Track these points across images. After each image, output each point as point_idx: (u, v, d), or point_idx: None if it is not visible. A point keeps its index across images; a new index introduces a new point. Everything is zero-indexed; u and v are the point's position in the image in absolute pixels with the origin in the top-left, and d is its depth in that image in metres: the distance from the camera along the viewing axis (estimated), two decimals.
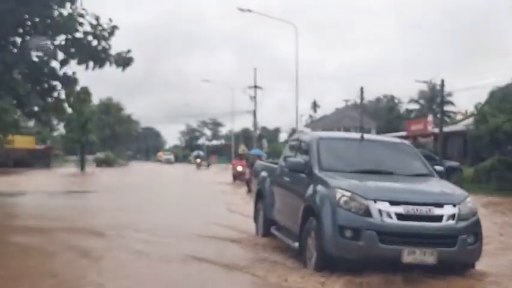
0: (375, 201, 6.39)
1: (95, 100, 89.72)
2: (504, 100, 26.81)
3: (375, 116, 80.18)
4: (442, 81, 27.45)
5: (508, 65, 68.75)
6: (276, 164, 9.99)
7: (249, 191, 21.78)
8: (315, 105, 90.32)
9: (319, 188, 6.98)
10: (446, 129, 33.95)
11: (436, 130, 33.08)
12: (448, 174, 29.21)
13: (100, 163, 62.20)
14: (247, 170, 27.23)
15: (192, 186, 27.55)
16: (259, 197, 10.08)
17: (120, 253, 8.67)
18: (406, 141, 9.31)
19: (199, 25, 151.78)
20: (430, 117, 32.78)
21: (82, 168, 51.65)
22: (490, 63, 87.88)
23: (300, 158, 8.03)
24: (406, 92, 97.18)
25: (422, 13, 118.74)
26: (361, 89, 34.61)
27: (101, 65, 16.29)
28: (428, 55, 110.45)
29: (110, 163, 62.51)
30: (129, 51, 17.12)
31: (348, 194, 6.54)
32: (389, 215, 6.32)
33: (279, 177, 9.03)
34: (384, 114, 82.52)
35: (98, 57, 15.94)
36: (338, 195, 6.56)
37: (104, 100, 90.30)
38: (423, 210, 6.37)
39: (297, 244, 7.43)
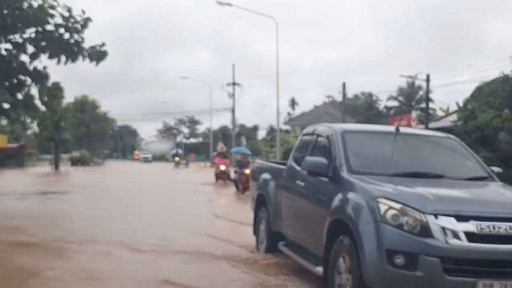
0: (436, 215, 4.60)
1: (70, 98, 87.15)
2: (492, 95, 25.53)
3: (354, 113, 79.00)
4: (428, 76, 26.05)
5: (481, 62, 68.05)
6: (282, 164, 8.27)
7: (237, 190, 20.84)
8: (293, 103, 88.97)
9: (352, 196, 5.18)
10: (430, 125, 32.62)
11: (421, 126, 31.73)
12: None
13: (75, 162, 59.72)
14: (230, 169, 25.56)
15: (172, 187, 25.32)
16: (261, 204, 8.22)
17: (76, 278, 6.65)
18: (451, 135, 7.34)
19: (176, 22, 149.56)
20: (413, 113, 31.27)
21: (56, 167, 49.40)
22: (463, 61, 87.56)
23: (321, 158, 6.10)
24: (383, 89, 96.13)
25: (397, 11, 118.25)
26: (343, 84, 33.17)
27: (74, 59, 15.65)
28: (403, 53, 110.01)
29: (85, 162, 60.00)
30: (103, 44, 16.29)
31: (397, 205, 4.72)
32: (456, 235, 4.53)
33: (289, 180, 7.21)
34: (362, 112, 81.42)
35: (70, 50, 15.06)
36: (383, 208, 4.75)
37: (79, 98, 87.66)
38: (502, 227, 4.57)
39: (320, 269, 5.66)
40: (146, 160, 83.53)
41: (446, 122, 32.81)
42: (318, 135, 6.88)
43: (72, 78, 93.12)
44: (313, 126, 7.46)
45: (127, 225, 11.42)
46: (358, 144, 6.11)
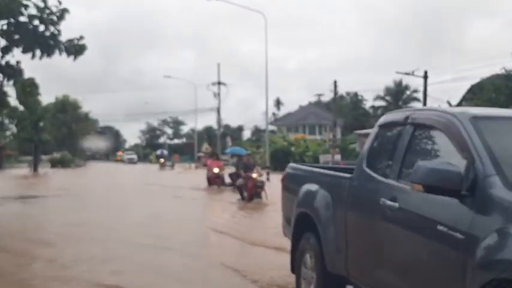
0: None
1: (51, 98, 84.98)
2: (495, 92, 24.18)
3: (339, 113, 77.74)
4: (425, 72, 24.56)
5: (463, 61, 67.05)
6: (334, 169, 5.91)
7: (242, 197, 17.38)
8: (278, 103, 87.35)
9: None
10: None
11: None
12: None
13: (55, 164, 57.43)
14: (224, 172, 23.25)
15: (160, 193, 21.79)
16: (305, 228, 5.38)
17: None
18: None
19: (159, 21, 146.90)
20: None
21: (35, 169, 47.15)
22: (446, 60, 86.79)
23: (447, 163, 3.28)
24: (369, 89, 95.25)
25: (381, 11, 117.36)
26: (335, 83, 31.65)
27: (50, 53, 14.32)
28: (388, 53, 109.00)
29: (66, 164, 57.70)
30: (81, 37, 14.77)
31: None
32: None
33: (363, 196, 4.53)
34: (347, 112, 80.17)
35: (45, 44, 14.14)
36: None
37: (60, 98, 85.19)
38: None
39: None
40: (131, 161, 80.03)
41: None
42: (417, 126, 4.10)
43: (53, 79, 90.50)
44: (401, 112, 4.78)
45: (106, 243, 9.44)
46: (503, 139, 3.50)
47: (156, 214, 13.95)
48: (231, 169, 23.73)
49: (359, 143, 35.13)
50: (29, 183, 29.52)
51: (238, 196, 17.55)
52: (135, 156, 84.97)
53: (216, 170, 22.73)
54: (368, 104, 76.97)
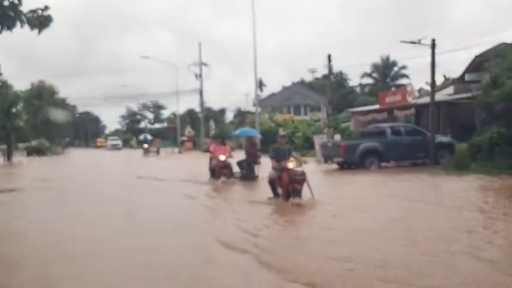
0: None
1: (27, 84, 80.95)
2: None
3: (324, 93, 75.13)
4: (433, 40, 21.90)
5: (444, 41, 64.84)
6: None
7: (275, 195, 12.30)
8: (260, 84, 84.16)
9: None
10: (423, 100, 28.69)
11: (422, 100, 27.79)
12: (439, 152, 24.23)
13: (31, 152, 53.95)
14: (229, 159, 17.77)
15: (160, 189, 16.99)
16: None
17: None
18: None
19: (136, 3, 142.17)
20: (409, 87, 27.31)
21: (8, 158, 43.77)
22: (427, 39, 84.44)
23: None
24: (353, 68, 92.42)
25: None
26: (329, 57, 28.85)
27: (10, 27, 10.72)
28: (369, 32, 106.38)
29: (42, 152, 54.27)
30: (46, 8, 11.36)
31: None
32: None
33: None
34: (332, 91, 77.58)
35: (5, 15, 10.52)
36: None
37: (35, 84, 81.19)
38: None
39: None
40: (115, 147, 74.85)
41: (442, 95, 29.04)
42: None
43: (29, 66, 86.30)
44: None
45: (85, 267, 6.48)
46: None
47: (178, 229, 9.24)
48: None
49: (353, 121, 32.58)
50: (3, 174, 26.55)
51: (264, 194, 12.73)
52: (119, 142, 79.74)
53: (222, 158, 17.32)
54: (352, 83, 74.69)
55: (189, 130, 61.37)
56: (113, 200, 14.17)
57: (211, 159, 18.22)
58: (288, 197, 11.61)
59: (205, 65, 53.06)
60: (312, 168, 25.90)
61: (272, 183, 12.25)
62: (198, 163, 26.14)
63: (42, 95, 79.92)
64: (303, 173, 11.74)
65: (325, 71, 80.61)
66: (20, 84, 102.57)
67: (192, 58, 76.62)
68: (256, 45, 28.36)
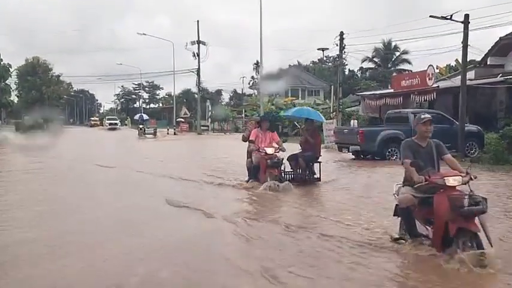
0: None
1: (21, 61, 77.04)
2: None
3: (321, 77, 71.91)
4: (466, 16, 18.76)
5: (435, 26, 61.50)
6: None
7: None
8: (257, 66, 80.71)
9: None
10: (446, 83, 25.63)
11: (446, 84, 24.71)
12: (467, 142, 21.14)
13: (21, 128, 50.42)
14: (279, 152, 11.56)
15: (170, 193, 10.84)
16: None
17: None
18: None
19: None
20: (431, 69, 24.13)
21: None
22: (420, 25, 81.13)
23: None
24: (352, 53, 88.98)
25: None
26: (341, 34, 25.69)
27: None
28: (364, 18, 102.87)
29: (34, 128, 50.79)
30: None
31: None
32: None
33: None
34: (329, 76, 74.42)
35: None
36: None
37: (30, 59, 77.22)
38: None
39: None
40: (113, 127, 67.21)
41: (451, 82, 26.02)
42: None
43: (25, 43, 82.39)
44: None
45: None
46: None
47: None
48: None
49: (363, 106, 29.46)
50: None
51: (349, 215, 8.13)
52: (117, 122, 73.71)
53: (270, 151, 11.27)
54: (350, 68, 71.47)
55: (185, 111, 58.04)
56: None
57: (250, 153, 11.79)
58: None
59: (203, 43, 49.67)
60: (323, 157, 23.10)
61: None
62: (205, 148, 23.04)
63: (36, 71, 76.15)
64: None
65: (321, 56, 77.68)
66: (17, 62, 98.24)
67: (188, 39, 72.91)
68: (262, 28, 25.15)
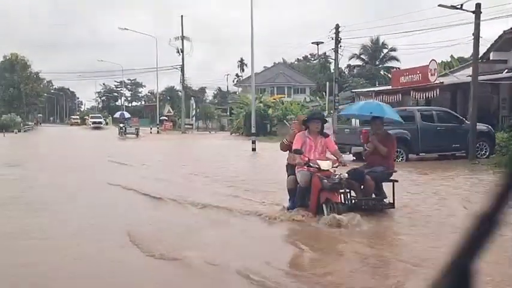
0: None
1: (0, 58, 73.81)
2: None
3: (306, 74, 70.05)
4: (478, 5, 16.96)
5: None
6: None
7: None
8: (242, 64, 78.72)
9: None
10: (450, 79, 23.86)
11: (451, 80, 22.90)
12: (478, 141, 18.89)
13: None
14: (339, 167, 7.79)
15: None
16: None
17: None
18: None
19: None
20: (433, 64, 22.31)
21: None
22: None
23: None
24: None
25: None
26: (337, 27, 23.74)
27: None
28: (348, 16, 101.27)
29: (9, 128, 48.13)
30: None
31: None
32: None
33: None
34: (314, 74, 72.61)
35: None
36: None
37: (8, 56, 73.97)
38: None
39: None
40: (97, 126, 60.34)
41: (462, 76, 24.27)
42: None
43: (4, 40, 79.16)
44: None
45: None
46: None
47: None
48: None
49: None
50: None
51: None
52: (101, 120, 66.24)
53: (325, 165, 7.44)
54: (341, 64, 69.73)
55: (168, 109, 55.62)
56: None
57: (292, 167, 7.94)
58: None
59: (187, 39, 47.35)
60: None
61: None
62: (196, 149, 20.67)
63: (14, 69, 72.95)
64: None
65: (305, 53, 75.78)
66: None
67: (171, 35, 70.53)
68: (253, 24, 22.87)
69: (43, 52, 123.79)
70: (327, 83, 29.33)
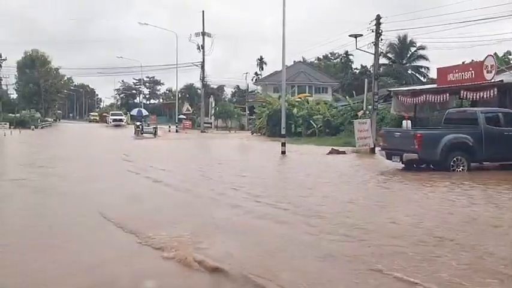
0: None
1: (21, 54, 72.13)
2: None
3: (330, 73, 67.17)
4: None
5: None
6: None
7: None
8: (261, 62, 75.98)
9: None
10: (507, 78, 20.89)
11: (508, 79, 19.95)
12: None
13: (16, 124, 45.53)
14: None
15: None
16: None
17: None
18: None
19: None
20: (489, 60, 19.32)
21: None
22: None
23: None
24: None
25: None
26: (378, 18, 20.97)
27: None
28: (365, 13, 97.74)
29: (23, 124, 46.10)
30: None
31: None
32: None
33: None
34: (335, 72, 69.66)
35: None
36: None
37: (29, 52, 72.29)
38: None
39: None
40: (118, 124, 53.66)
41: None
42: None
43: (26, 36, 77.74)
44: None
45: None
46: None
47: None
48: None
49: (395, 103, 24.67)
50: None
51: None
52: (123, 118, 57.99)
53: None
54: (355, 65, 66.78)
55: (187, 107, 53.09)
56: None
57: None
58: None
59: (209, 35, 44.75)
60: (356, 163, 18.48)
61: None
62: (232, 152, 17.81)
63: (35, 64, 71.21)
64: None
65: (324, 53, 72.82)
66: (17, 55, 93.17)
67: (190, 33, 68.18)
68: (285, 20, 20.05)
69: (64, 49, 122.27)
70: (366, 80, 26.44)
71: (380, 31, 21.12)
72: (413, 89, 24.60)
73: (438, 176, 13.09)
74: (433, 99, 21.95)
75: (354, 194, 10.28)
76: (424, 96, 22.45)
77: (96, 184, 11.75)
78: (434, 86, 23.37)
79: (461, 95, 20.68)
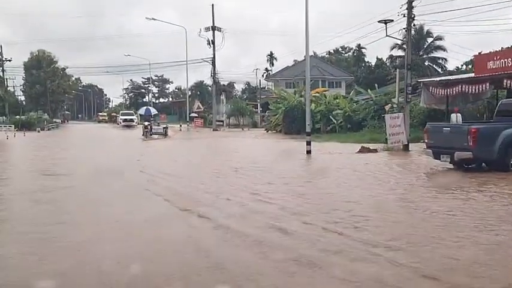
0: None
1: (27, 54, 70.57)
2: None
3: (343, 69, 64.93)
4: None
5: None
6: None
7: None
8: (271, 58, 73.92)
9: None
10: None
11: None
12: None
13: (21, 126, 43.67)
14: None
15: None
16: None
17: None
18: None
19: None
20: None
21: None
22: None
23: None
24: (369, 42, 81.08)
25: None
26: (409, 2, 18.82)
27: None
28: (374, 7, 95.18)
29: (29, 126, 44.32)
30: None
31: None
32: None
33: None
34: (347, 66, 67.47)
35: None
36: None
37: (35, 53, 70.67)
38: None
39: None
40: (128, 125, 49.13)
41: None
42: None
43: (32, 36, 76.24)
44: None
45: None
46: None
47: None
48: None
49: (425, 95, 22.61)
50: None
51: None
52: (133, 118, 52.66)
53: None
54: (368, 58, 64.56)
55: (198, 105, 51.10)
56: None
57: None
58: None
59: (219, 29, 42.70)
60: (396, 161, 16.29)
61: None
62: (246, 153, 15.61)
63: (41, 65, 69.59)
64: None
65: (335, 46, 70.54)
66: (23, 56, 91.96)
67: (199, 29, 66.31)
68: (308, 13, 17.97)
69: (72, 48, 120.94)
70: (397, 70, 24.35)
71: (412, 15, 18.97)
72: (447, 79, 22.51)
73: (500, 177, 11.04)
74: (468, 90, 19.81)
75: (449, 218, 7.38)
76: (459, 86, 20.31)
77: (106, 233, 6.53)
78: (472, 75, 21.28)
79: (505, 83, 18.54)
